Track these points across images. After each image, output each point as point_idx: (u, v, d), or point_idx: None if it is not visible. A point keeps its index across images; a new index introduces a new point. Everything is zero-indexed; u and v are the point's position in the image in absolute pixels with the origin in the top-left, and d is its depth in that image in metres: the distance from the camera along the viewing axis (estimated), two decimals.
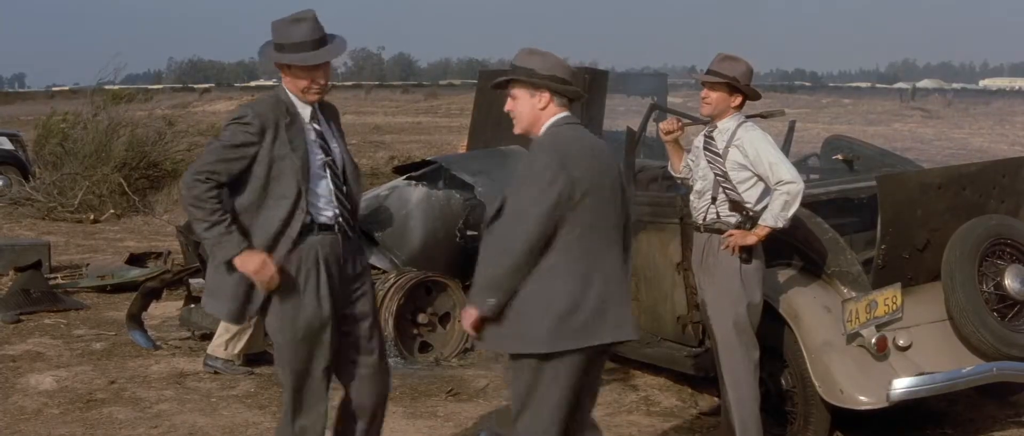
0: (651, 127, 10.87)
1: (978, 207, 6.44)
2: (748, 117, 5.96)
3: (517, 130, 4.59)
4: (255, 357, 8.07)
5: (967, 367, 6.07)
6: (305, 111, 4.82)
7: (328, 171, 4.81)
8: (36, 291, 10.54)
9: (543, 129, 4.50)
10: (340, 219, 4.82)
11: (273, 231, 4.69)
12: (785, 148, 9.11)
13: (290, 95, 4.82)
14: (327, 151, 4.84)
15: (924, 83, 72.29)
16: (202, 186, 4.63)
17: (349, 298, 4.87)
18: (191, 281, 9.25)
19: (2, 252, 12.02)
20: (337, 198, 4.82)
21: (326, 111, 4.97)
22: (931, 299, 6.23)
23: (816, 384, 6.00)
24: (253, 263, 4.62)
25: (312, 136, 4.81)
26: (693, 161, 6.03)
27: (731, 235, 5.64)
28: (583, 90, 9.45)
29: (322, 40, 4.76)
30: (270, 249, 4.66)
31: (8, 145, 21.33)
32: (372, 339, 4.94)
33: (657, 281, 7.08)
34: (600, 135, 9.71)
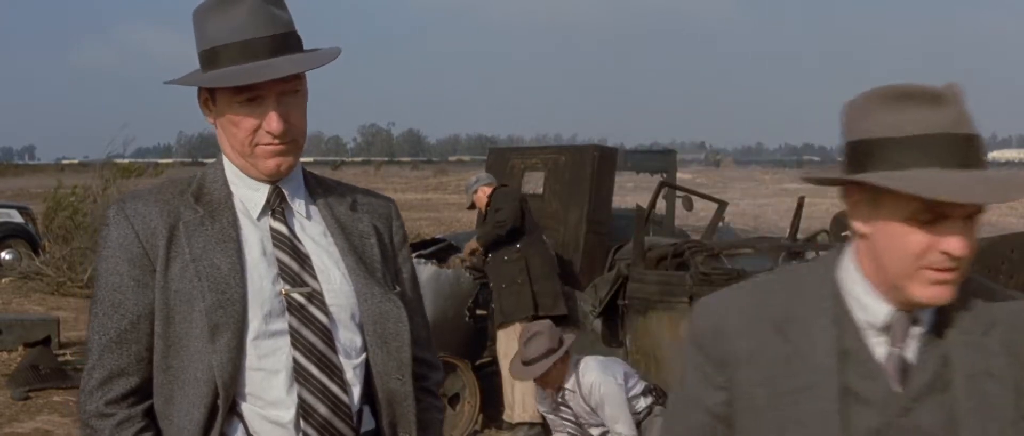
0: (661, 204, 10.92)
1: None
2: None
3: None
4: None
5: None
6: (252, 196, 2.51)
7: (289, 317, 2.42)
8: (45, 368, 10.52)
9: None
10: (307, 423, 2.41)
11: None
12: (794, 224, 9.13)
13: (228, 168, 2.53)
14: (291, 275, 2.44)
15: None
16: (107, 424, 2.36)
17: None
18: None
19: (11, 327, 11.99)
20: (299, 375, 2.41)
21: (321, 194, 2.61)
22: None
23: None
24: None
25: (257, 242, 2.46)
26: None
27: None
28: (591, 166, 9.60)
29: (285, 39, 2.41)
30: None
31: (18, 218, 21.31)
32: None
33: (666, 362, 7.06)
34: (609, 213, 9.75)
